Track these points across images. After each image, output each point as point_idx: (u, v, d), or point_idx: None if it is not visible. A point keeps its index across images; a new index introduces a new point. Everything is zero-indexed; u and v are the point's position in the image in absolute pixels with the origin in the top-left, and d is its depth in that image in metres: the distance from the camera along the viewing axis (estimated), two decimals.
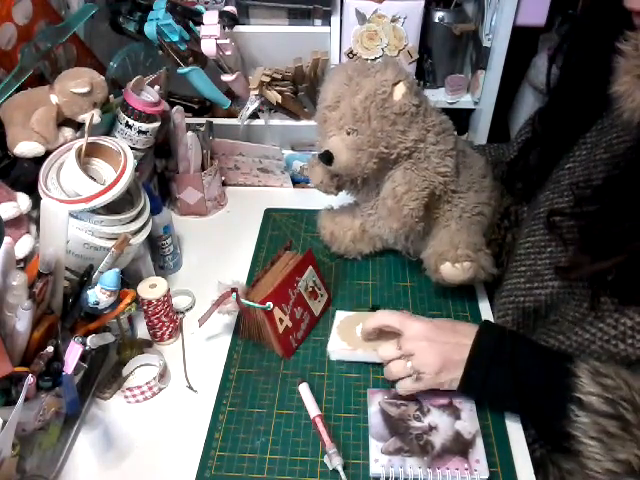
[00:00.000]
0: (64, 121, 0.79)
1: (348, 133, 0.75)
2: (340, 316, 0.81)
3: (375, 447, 0.64)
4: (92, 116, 0.77)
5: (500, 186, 0.89)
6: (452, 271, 0.78)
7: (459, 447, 0.64)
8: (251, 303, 0.73)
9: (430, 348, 0.65)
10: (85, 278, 0.67)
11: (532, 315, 0.72)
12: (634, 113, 0.53)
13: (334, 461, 0.63)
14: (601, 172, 0.66)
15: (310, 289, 0.81)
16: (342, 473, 0.62)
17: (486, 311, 0.84)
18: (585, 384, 0.55)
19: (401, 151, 0.75)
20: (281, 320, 0.75)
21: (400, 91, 0.74)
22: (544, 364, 0.62)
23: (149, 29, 0.94)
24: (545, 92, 0.78)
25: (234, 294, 0.73)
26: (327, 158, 0.77)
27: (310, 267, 0.81)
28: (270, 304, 0.73)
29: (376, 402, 0.69)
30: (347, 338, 0.77)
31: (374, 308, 0.83)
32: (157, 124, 0.87)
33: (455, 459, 0.63)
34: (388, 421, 0.67)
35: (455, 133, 0.82)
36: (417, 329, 0.66)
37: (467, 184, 0.82)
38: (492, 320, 0.81)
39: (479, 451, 0.63)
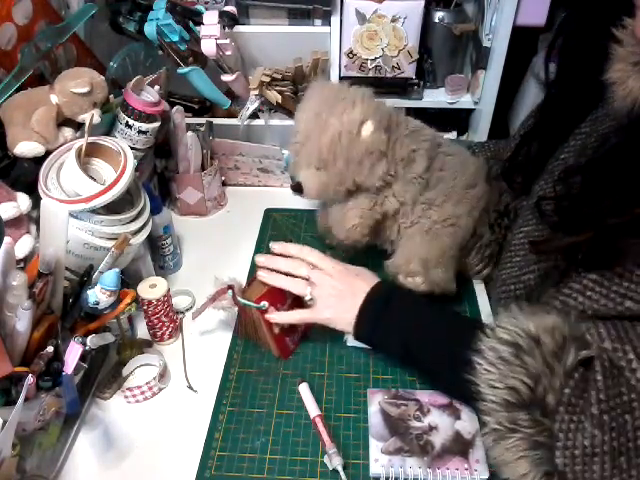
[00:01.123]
0: (64, 121, 0.79)
1: (317, 169, 0.78)
2: None
3: (375, 447, 0.64)
4: (92, 116, 0.77)
5: (497, 186, 0.88)
6: (406, 283, 0.80)
7: (459, 447, 0.64)
8: (246, 301, 0.73)
9: (332, 288, 0.72)
10: (85, 278, 0.67)
11: (525, 302, 0.72)
12: (625, 100, 0.53)
13: (334, 461, 0.63)
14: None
15: None
16: (342, 473, 0.62)
17: (486, 310, 0.84)
18: (502, 316, 0.57)
19: (369, 186, 0.78)
20: None
21: (367, 130, 0.74)
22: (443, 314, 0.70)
23: (149, 29, 0.94)
24: (543, 85, 0.78)
25: (230, 291, 0.73)
26: (298, 189, 0.81)
27: None
28: (265, 303, 0.73)
29: (376, 402, 0.69)
30: None
31: None
32: (157, 124, 0.87)
33: (455, 459, 0.63)
34: (388, 421, 0.67)
35: (439, 143, 0.83)
36: (331, 267, 0.74)
37: (442, 197, 0.81)
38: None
39: (479, 451, 0.63)
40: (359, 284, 0.72)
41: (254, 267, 0.92)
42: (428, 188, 0.81)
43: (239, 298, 0.73)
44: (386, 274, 0.82)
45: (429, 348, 0.66)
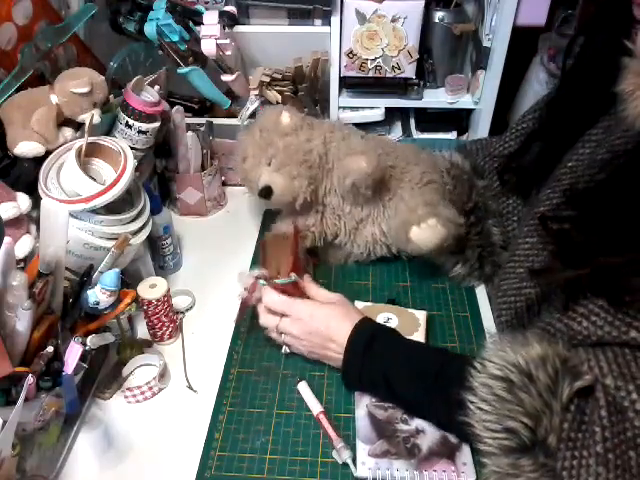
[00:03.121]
0: (64, 121, 0.79)
1: (268, 164, 0.84)
2: (359, 305, 0.82)
3: (362, 450, 0.64)
4: (92, 116, 0.77)
5: (467, 184, 0.87)
6: (421, 233, 0.77)
7: (446, 450, 0.64)
8: (283, 280, 0.74)
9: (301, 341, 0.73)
10: (85, 278, 0.67)
11: (525, 314, 0.71)
12: (636, 119, 0.51)
13: (343, 455, 0.63)
14: (599, 174, 0.64)
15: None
16: (352, 466, 0.62)
17: (486, 311, 0.84)
18: (489, 351, 0.55)
19: (320, 153, 0.84)
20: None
21: (285, 116, 0.86)
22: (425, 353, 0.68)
23: (149, 29, 0.94)
24: (559, 76, 0.76)
25: (261, 280, 0.74)
26: (267, 192, 0.83)
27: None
28: (293, 275, 0.74)
29: (363, 405, 0.69)
30: None
31: (390, 301, 0.84)
32: (157, 124, 0.87)
33: (442, 462, 0.63)
34: (375, 424, 0.67)
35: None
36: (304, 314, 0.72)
37: (404, 161, 0.87)
38: (493, 323, 0.82)
39: (466, 454, 0.63)
40: (334, 331, 0.70)
41: (254, 267, 0.93)
42: (387, 156, 0.86)
43: (276, 281, 0.74)
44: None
45: (414, 387, 0.65)
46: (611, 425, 0.48)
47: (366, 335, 0.68)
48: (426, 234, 0.77)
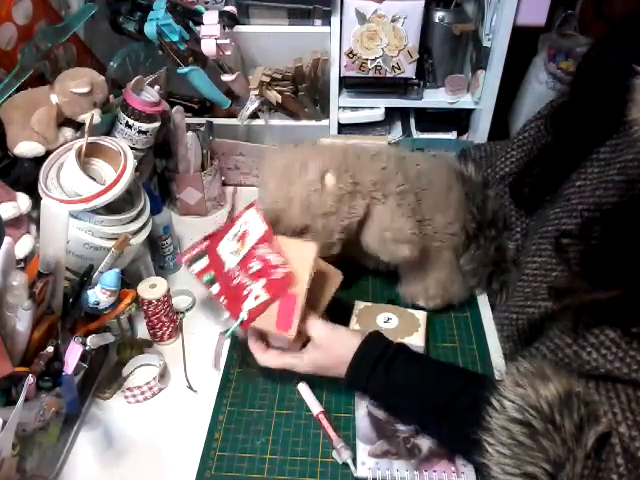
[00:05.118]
0: (64, 121, 0.79)
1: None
2: (359, 305, 0.82)
3: (362, 450, 0.64)
4: (92, 116, 0.77)
5: (481, 193, 0.84)
6: (426, 306, 0.83)
7: (446, 451, 0.64)
8: (231, 329, 0.68)
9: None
10: (85, 278, 0.67)
11: (527, 331, 0.70)
12: None
13: (343, 455, 0.63)
14: (613, 195, 0.63)
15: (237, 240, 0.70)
16: (352, 466, 0.63)
17: (486, 311, 0.84)
18: (507, 387, 0.54)
19: (356, 221, 0.75)
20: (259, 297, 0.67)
21: (330, 181, 0.74)
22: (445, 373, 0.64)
23: (149, 29, 0.94)
24: (560, 78, 0.74)
25: (226, 334, 0.69)
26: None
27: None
28: (243, 315, 0.66)
29: (363, 405, 0.69)
30: (365, 325, 0.77)
31: (390, 301, 0.84)
32: (157, 124, 0.87)
33: (442, 462, 0.63)
34: (375, 424, 0.67)
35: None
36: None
37: (430, 209, 0.80)
38: (493, 323, 0.82)
39: None
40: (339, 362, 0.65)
41: None
42: (420, 202, 0.79)
43: (227, 334, 0.69)
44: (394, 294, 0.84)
45: (423, 427, 0.64)
46: (628, 473, 0.48)
47: (362, 376, 0.64)
48: (430, 306, 0.83)
